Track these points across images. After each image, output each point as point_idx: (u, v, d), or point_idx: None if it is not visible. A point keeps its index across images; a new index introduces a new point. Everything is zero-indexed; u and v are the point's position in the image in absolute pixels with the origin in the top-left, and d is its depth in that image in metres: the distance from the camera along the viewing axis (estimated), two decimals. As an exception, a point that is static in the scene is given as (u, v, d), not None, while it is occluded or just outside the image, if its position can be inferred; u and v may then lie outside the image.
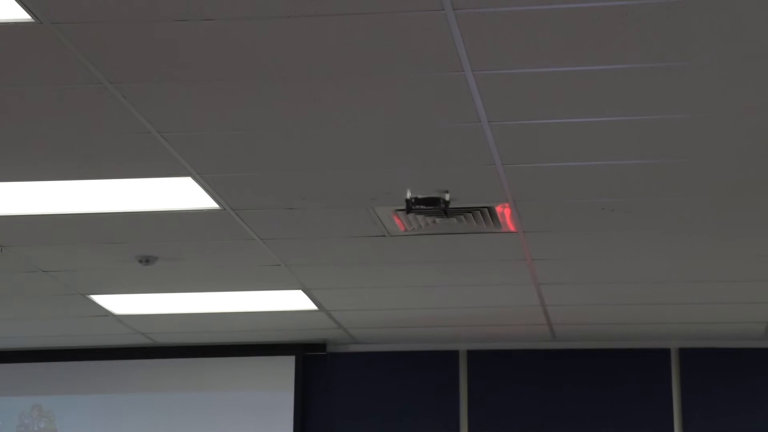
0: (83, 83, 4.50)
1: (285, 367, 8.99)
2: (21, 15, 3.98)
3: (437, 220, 6.07)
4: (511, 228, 6.25)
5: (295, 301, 7.79)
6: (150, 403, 9.06)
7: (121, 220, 6.14)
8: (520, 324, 8.36)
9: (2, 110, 4.75)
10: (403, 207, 5.79)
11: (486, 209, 5.96)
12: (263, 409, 8.95)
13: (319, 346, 9.02)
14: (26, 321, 8.35)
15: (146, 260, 6.79)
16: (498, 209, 5.97)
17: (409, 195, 5.68)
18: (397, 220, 6.12)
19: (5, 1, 3.89)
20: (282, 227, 6.26)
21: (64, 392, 9.13)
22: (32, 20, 4.01)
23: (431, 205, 5.73)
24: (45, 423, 9.12)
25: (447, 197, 5.70)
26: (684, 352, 8.72)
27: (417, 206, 5.74)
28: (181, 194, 5.77)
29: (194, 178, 5.56)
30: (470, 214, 6.01)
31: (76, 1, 3.90)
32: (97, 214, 6.03)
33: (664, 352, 8.73)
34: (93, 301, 7.76)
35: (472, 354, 8.90)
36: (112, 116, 4.81)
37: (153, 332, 8.71)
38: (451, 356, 8.91)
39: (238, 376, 9.03)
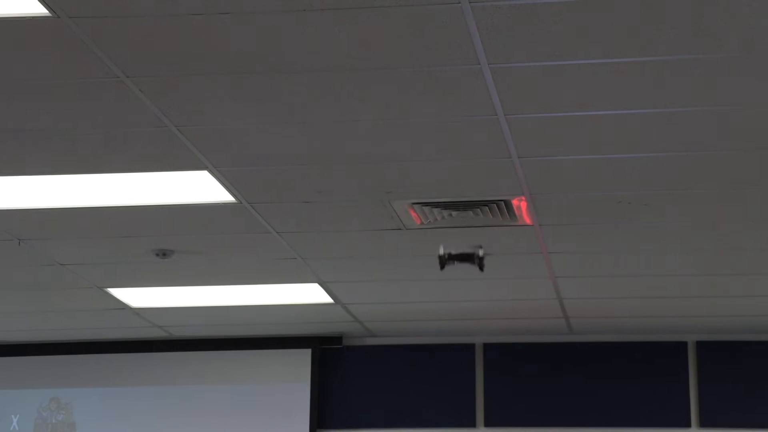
0: (100, 77, 4.50)
1: (301, 360, 8.99)
2: (38, 9, 3.99)
3: (453, 213, 6.07)
4: (527, 221, 6.24)
5: (311, 294, 7.80)
6: (166, 395, 9.07)
7: (138, 214, 6.15)
8: (536, 317, 8.35)
9: (19, 104, 4.77)
10: (419, 201, 5.78)
11: (502, 202, 5.96)
12: (280, 402, 8.96)
13: (336, 339, 9.02)
14: (44, 314, 8.37)
15: (163, 254, 6.80)
16: (514, 202, 5.96)
17: (442, 251, 5.67)
18: (413, 214, 6.12)
19: (22, -5, 3.91)
20: (298, 221, 6.26)
21: (82, 385, 9.15)
22: (50, 15, 4.02)
23: (465, 261, 5.72)
24: (63, 416, 9.15)
25: (481, 252, 5.69)
26: (701, 345, 8.69)
27: (450, 261, 5.73)
28: (198, 188, 5.78)
29: (211, 172, 5.56)
30: (486, 208, 6.01)
31: (93, -4, 3.91)
32: (114, 207, 6.05)
33: (681, 345, 8.71)
34: (110, 295, 7.77)
35: (488, 347, 8.89)
36: (129, 110, 4.82)
37: (170, 325, 8.73)
38: (468, 349, 8.90)
39: (255, 369, 9.03)
